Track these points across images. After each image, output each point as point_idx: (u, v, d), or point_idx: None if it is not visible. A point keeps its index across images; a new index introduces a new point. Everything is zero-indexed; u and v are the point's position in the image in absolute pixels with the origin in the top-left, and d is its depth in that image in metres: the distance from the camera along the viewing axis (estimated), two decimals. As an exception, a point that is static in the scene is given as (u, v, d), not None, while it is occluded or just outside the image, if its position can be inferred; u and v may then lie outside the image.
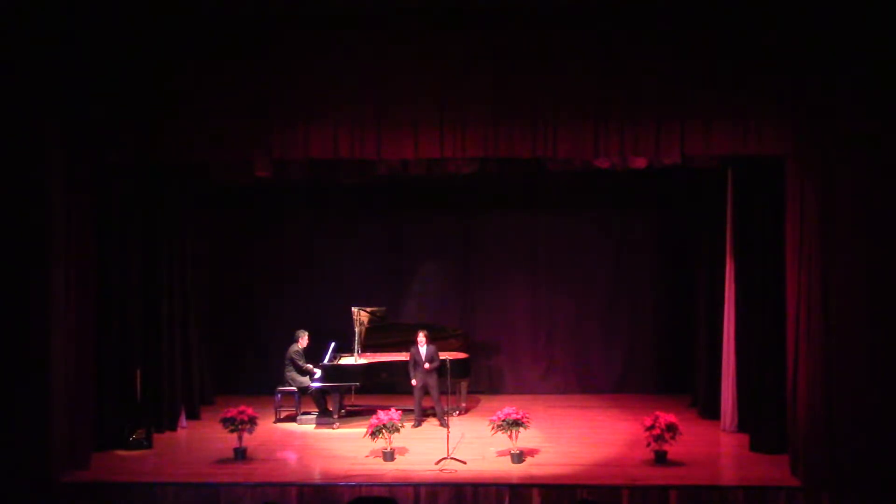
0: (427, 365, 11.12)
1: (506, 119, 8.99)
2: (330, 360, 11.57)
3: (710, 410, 11.43)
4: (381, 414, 9.52)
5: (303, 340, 11.67)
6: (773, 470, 9.15)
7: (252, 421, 9.71)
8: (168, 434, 11.02)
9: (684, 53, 8.85)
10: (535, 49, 8.94)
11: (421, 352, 11.22)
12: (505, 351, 13.76)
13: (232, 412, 9.70)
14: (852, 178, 8.61)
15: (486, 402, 12.64)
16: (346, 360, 11.68)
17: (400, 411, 9.77)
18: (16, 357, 8.79)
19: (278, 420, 11.65)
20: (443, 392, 11.48)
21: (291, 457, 10.15)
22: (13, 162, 8.81)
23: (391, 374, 11.80)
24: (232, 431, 9.70)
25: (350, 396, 12.22)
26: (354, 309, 11.68)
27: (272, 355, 12.31)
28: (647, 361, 13.63)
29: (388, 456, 9.53)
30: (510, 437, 9.45)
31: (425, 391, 11.30)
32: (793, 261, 8.93)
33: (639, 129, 8.93)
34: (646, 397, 12.85)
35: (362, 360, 11.64)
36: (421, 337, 11.24)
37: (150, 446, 10.25)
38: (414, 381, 11.27)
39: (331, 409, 11.44)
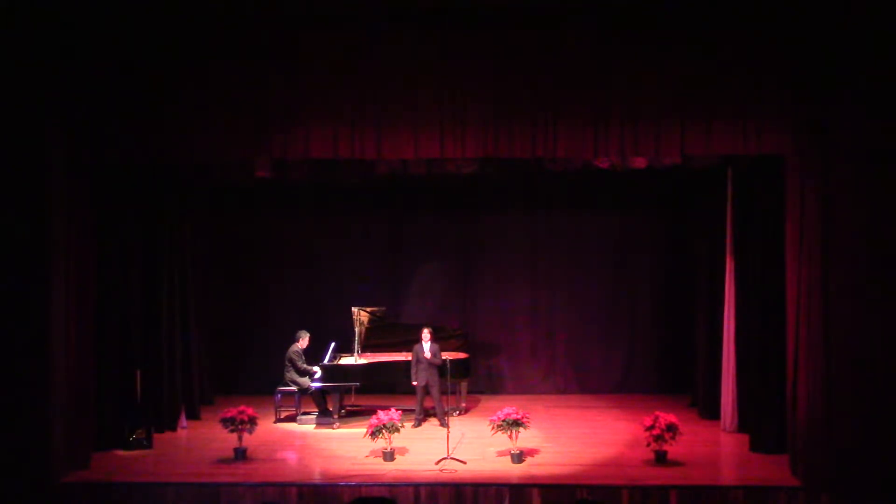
0: (428, 354, 11.09)
1: (506, 119, 9.00)
2: (330, 360, 11.57)
3: (710, 410, 11.43)
4: (381, 414, 9.53)
5: (303, 341, 11.66)
6: (773, 470, 9.16)
7: (252, 421, 9.72)
8: (168, 434, 11.02)
9: (684, 53, 8.86)
10: (534, 49, 8.95)
11: (424, 348, 11.20)
12: (505, 351, 13.76)
13: (232, 412, 9.71)
14: (852, 178, 8.61)
15: (486, 402, 12.65)
16: (346, 360, 11.68)
17: (400, 411, 9.77)
18: (16, 357, 8.80)
19: (278, 420, 11.65)
20: (443, 392, 11.49)
21: (291, 457, 10.15)
22: (13, 162, 8.82)
23: (391, 374, 11.79)
24: (232, 431, 9.71)
25: (350, 396, 12.23)
26: (354, 309, 11.68)
27: (272, 355, 12.29)
28: (647, 361, 13.63)
29: (388, 456, 9.54)
30: (510, 437, 9.45)
31: (427, 391, 11.30)
32: (793, 260, 8.93)
33: (639, 129, 8.93)
34: (646, 397, 12.86)
35: (362, 360, 11.64)
36: (426, 333, 11.22)
37: (150, 446, 10.25)
38: (415, 382, 11.28)
39: (331, 409, 11.44)
